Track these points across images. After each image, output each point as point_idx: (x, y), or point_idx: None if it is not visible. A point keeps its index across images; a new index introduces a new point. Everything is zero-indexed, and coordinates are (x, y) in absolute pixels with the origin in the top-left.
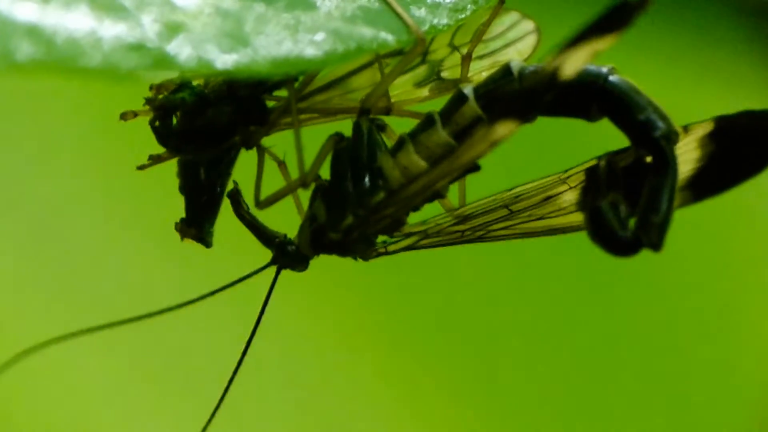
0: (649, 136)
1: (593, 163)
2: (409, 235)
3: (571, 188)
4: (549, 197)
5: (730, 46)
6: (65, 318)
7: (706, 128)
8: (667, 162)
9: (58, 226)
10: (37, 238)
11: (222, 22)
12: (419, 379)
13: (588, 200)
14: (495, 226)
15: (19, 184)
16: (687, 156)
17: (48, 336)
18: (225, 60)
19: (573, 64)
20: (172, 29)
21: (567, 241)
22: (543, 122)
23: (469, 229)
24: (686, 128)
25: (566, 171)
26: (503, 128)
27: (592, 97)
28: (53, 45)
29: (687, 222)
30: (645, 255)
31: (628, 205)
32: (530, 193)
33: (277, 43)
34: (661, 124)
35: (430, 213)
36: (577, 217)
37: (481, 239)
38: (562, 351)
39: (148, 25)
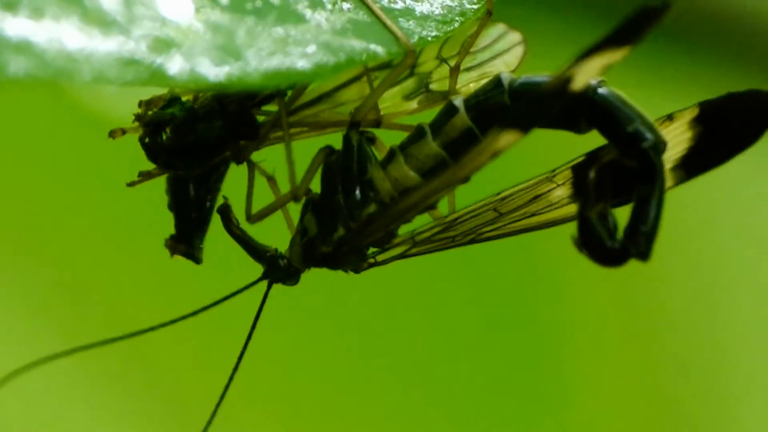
0: (638, 147)
1: (580, 159)
2: (398, 244)
3: (559, 185)
4: (537, 196)
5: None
6: (49, 339)
7: (693, 113)
8: (655, 172)
9: (44, 242)
10: (22, 252)
11: (213, 36)
12: None
13: (578, 194)
14: (485, 228)
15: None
16: (677, 138)
17: (32, 357)
18: (217, 73)
19: (584, 76)
20: (164, 43)
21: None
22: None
23: (459, 235)
24: (671, 116)
25: (553, 171)
26: (506, 139)
27: (580, 110)
28: (45, 60)
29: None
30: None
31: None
32: (518, 194)
33: (268, 55)
34: (649, 135)
35: (419, 222)
36: (570, 209)
37: (472, 242)
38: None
39: (140, 40)
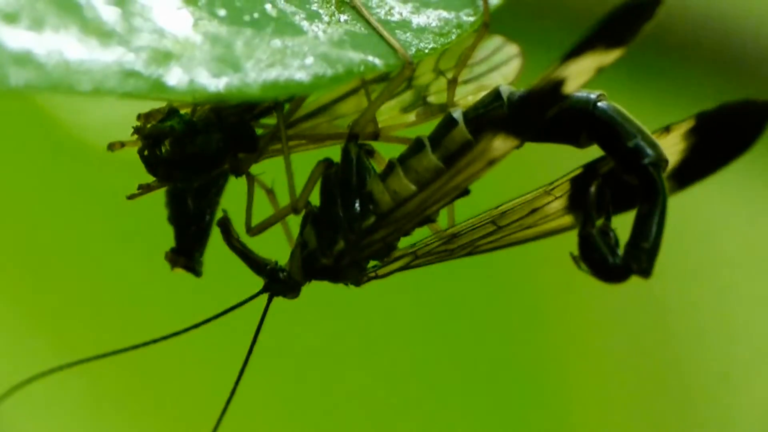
0: (639, 163)
1: (577, 172)
2: (398, 258)
3: (557, 198)
4: (535, 209)
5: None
6: (50, 352)
7: (689, 124)
8: (656, 189)
9: (45, 255)
10: (24, 264)
11: (212, 47)
12: None
13: (579, 211)
14: (482, 241)
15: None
16: (672, 149)
17: (34, 370)
18: (216, 84)
19: (577, 79)
20: (163, 55)
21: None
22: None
23: (458, 248)
24: (668, 128)
25: (551, 183)
26: (500, 145)
27: (581, 124)
28: (45, 71)
29: None
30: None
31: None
32: (515, 208)
33: (266, 67)
34: (650, 151)
35: (418, 236)
36: (567, 219)
37: (469, 254)
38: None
39: (139, 52)
